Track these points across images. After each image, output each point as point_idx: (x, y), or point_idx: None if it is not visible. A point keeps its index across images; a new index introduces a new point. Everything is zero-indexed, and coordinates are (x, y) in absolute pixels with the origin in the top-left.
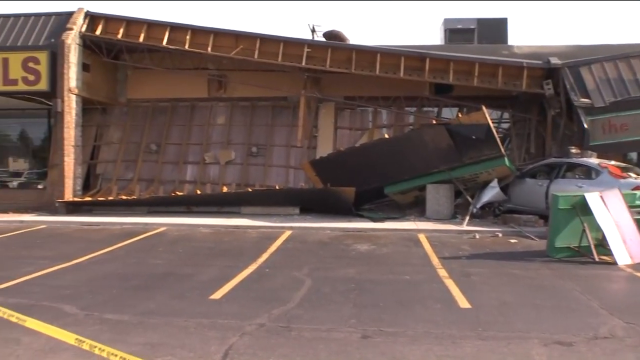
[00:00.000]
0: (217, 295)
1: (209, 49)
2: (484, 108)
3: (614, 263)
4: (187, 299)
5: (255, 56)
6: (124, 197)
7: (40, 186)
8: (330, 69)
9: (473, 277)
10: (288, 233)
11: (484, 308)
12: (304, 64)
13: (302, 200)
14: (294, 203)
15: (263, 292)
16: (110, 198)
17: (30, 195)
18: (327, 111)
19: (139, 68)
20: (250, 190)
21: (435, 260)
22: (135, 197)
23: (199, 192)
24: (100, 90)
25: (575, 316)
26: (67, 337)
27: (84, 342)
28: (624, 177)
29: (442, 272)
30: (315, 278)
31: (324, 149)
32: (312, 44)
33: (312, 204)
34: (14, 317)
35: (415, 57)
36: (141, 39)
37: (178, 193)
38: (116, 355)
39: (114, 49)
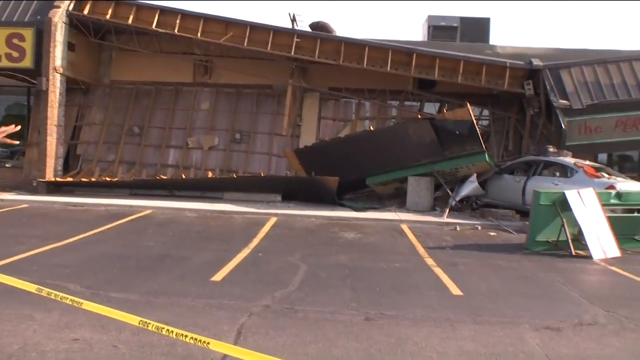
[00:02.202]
0: (218, 277)
1: (199, 34)
2: (468, 105)
3: (589, 257)
4: (188, 280)
5: (245, 44)
6: (107, 179)
7: (8, 165)
8: (318, 59)
9: (460, 267)
10: (274, 219)
11: (475, 295)
12: (293, 53)
13: (286, 187)
14: (277, 190)
15: (262, 276)
16: (93, 179)
17: (5, 174)
18: (312, 101)
19: (124, 50)
20: (235, 176)
21: (421, 250)
22: (118, 179)
23: (183, 176)
24: (84, 70)
25: (559, 305)
26: (131, 319)
27: (149, 323)
28: (597, 177)
29: (430, 261)
30: (310, 263)
31: (307, 138)
32: (301, 34)
33: (295, 191)
34: (68, 299)
35: (402, 52)
36: (130, 21)
37: (162, 176)
38: (186, 336)
39: (102, 30)
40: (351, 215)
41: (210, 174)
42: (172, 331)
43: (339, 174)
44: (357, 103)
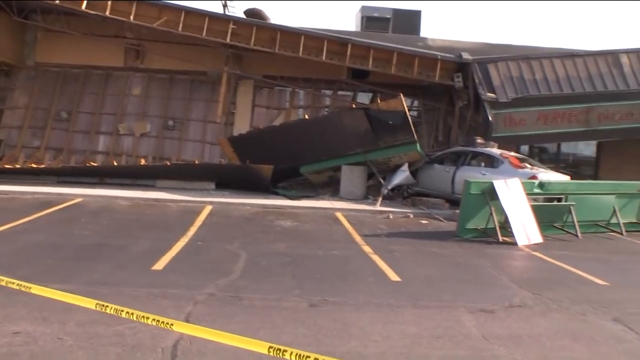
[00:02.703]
0: (159, 266)
1: (131, 17)
2: (401, 96)
3: (515, 243)
4: (129, 270)
5: (180, 29)
6: (34, 165)
7: None
8: (254, 47)
9: (396, 254)
10: (209, 208)
11: (413, 281)
12: (228, 40)
13: (220, 175)
14: (211, 178)
15: (202, 264)
16: (18, 166)
17: None
18: (246, 89)
19: (51, 31)
20: (168, 163)
21: (357, 238)
22: (45, 166)
23: (115, 163)
24: (5, 51)
25: (491, 288)
26: (88, 302)
27: (107, 306)
28: (521, 167)
29: (367, 249)
30: (249, 251)
31: (241, 126)
32: (237, 21)
33: (230, 179)
34: (15, 284)
35: (338, 42)
36: (58, 1)
37: (93, 163)
38: (147, 318)
39: (26, 9)
40: (286, 204)
41: (143, 161)
42: (132, 313)
43: (273, 163)
44: (291, 91)
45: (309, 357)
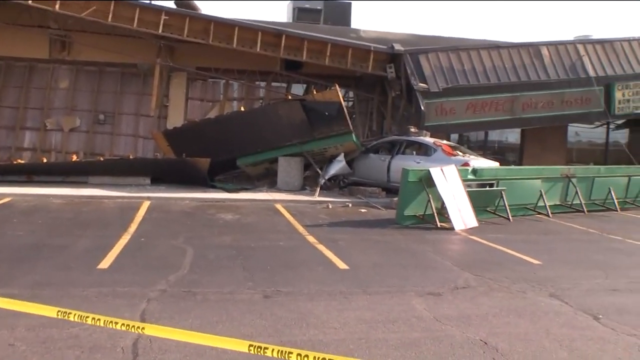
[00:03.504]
0: (104, 264)
1: (57, 6)
2: (337, 87)
3: (452, 228)
4: (73, 270)
5: (109, 19)
6: None
7: None
8: (187, 38)
9: (340, 243)
10: (147, 203)
11: (360, 268)
12: (160, 31)
13: (156, 170)
14: (146, 173)
15: (149, 260)
16: None
17: None
18: (179, 81)
19: None
20: (102, 159)
21: (300, 228)
22: None
23: (45, 160)
24: None
25: (435, 272)
26: (48, 310)
27: (70, 313)
28: (454, 155)
29: (311, 239)
30: (195, 246)
31: (175, 120)
32: (169, 11)
33: (166, 174)
34: None
35: (272, 33)
36: None
37: (20, 161)
38: (116, 323)
39: None
40: (225, 197)
41: (74, 157)
42: (98, 319)
43: (209, 156)
44: (225, 83)
45: (291, 352)
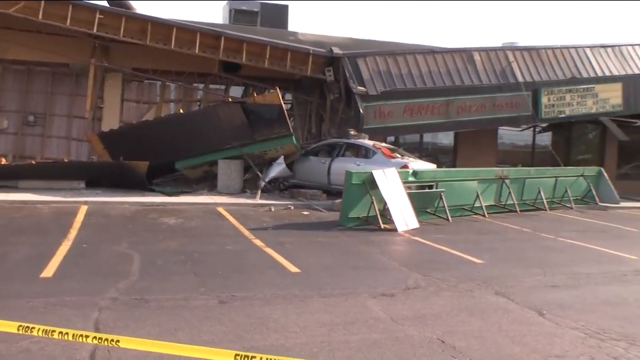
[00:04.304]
0: (48, 273)
1: None
2: (277, 89)
3: (395, 230)
4: (15, 279)
5: (40, 16)
6: None
7: None
8: (123, 38)
9: (287, 246)
10: (85, 208)
11: (312, 271)
12: (95, 31)
13: (92, 173)
14: (81, 177)
15: (95, 268)
16: None
17: None
18: (114, 82)
19: None
20: (34, 162)
21: (245, 232)
22: None
23: None
24: None
25: (385, 273)
26: (7, 325)
27: (32, 328)
28: (393, 157)
29: (258, 242)
30: (141, 251)
31: (110, 122)
32: (105, 10)
33: (102, 177)
34: None
35: (211, 35)
36: None
37: None
38: (87, 337)
39: None
40: (165, 200)
41: (3, 160)
42: (66, 333)
43: (147, 158)
44: (162, 85)
45: None
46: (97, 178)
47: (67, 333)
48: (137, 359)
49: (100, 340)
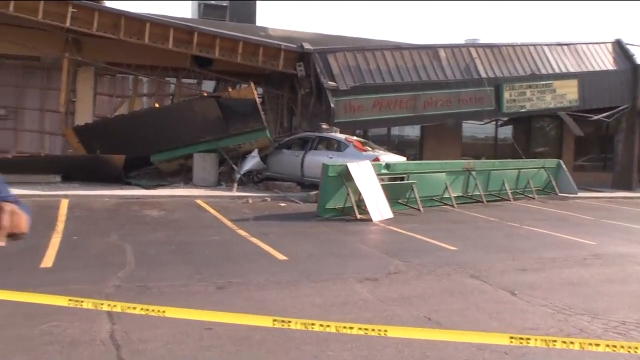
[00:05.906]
0: (47, 264)
1: None
2: (252, 84)
3: (370, 220)
4: (15, 271)
5: (11, 9)
6: None
7: None
8: (96, 32)
9: (271, 236)
10: (66, 201)
11: (299, 259)
12: (68, 24)
13: (68, 167)
14: (57, 170)
15: (91, 259)
16: None
17: None
18: (86, 76)
19: None
20: (10, 156)
21: (228, 223)
22: None
23: None
24: None
25: (367, 260)
26: (60, 299)
27: (83, 301)
28: (365, 150)
29: (242, 232)
30: (132, 243)
31: (83, 116)
32: (77, 4)
33: (79, 171)
34: None
35: (184, 30)
36: None
37: None
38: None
39: None
40: (144, 194)
41: None
42: (115, 305)
43: (122, 152)
44: (134, 79)
45: (314, 324)
46: (73, 172)
47: (115, 305)
48: (155, 337)
49: (143, 310)
